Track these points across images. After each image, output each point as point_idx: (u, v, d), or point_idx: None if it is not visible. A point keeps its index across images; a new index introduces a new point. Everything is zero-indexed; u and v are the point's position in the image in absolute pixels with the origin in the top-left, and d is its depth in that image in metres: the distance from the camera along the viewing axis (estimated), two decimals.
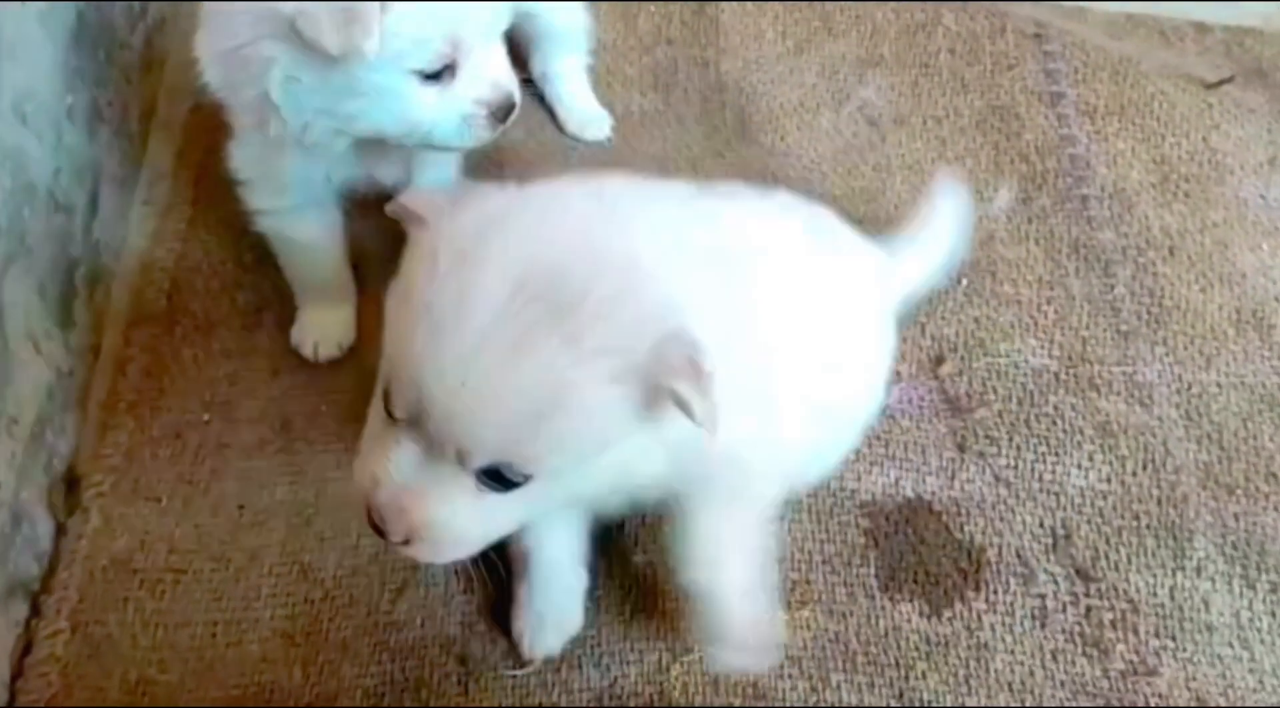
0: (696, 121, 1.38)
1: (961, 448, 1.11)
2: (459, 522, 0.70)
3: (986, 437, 1.12)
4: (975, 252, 1.24)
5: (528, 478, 0.67)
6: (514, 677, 0.97)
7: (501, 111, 0.98)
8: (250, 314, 1.20)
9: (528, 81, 1.36)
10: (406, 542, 0.70)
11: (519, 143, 1.36)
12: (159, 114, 1.38)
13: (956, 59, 1.40)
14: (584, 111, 1.38)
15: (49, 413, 1.06)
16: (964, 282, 1.22)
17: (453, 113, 0.96)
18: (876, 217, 1.28)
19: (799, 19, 1.45)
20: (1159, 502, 1.08)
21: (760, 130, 1.36)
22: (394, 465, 0.68)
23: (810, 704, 0.97)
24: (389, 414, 0.68)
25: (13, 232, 1.02)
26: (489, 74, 0.97)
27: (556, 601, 0.97)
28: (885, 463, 1.10)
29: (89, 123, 1.20)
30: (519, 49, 1.34)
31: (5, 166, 1.02)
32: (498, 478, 0.67)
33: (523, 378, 0.63)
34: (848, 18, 1.45)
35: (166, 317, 1.19)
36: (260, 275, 1.23)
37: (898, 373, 1.16)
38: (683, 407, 0.64)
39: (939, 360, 1.17)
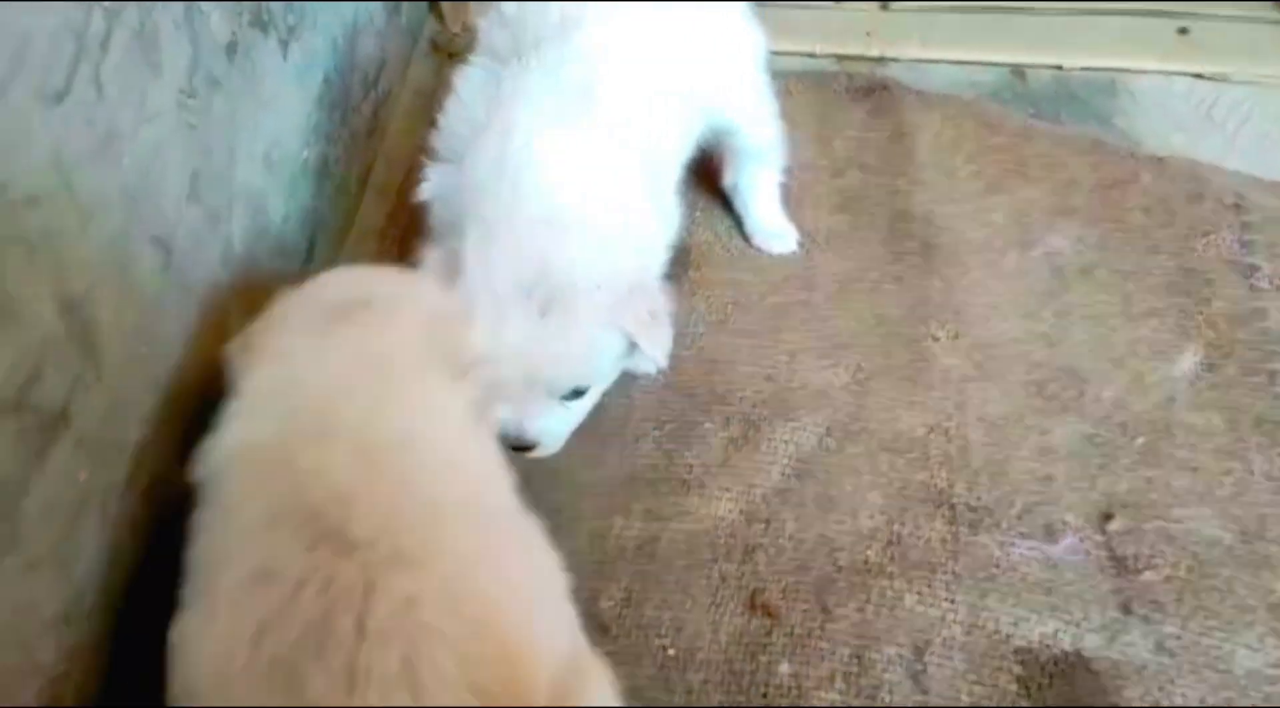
0: (882, 245, 1.40)
1: (1126, 610, 1.09)
2: (557, 425, 1.12)
3: (1152, 601, 1.09)
4: (1154, 412, 1.23)
5: (587, 390, 1.12)
6: None
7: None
8: None
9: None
10: (532, 448, 1.11)
11: (706, 246, 1.41)
12: (374, 177, 1.47)
13: (1150, 219, 1.40)
14: (771, 225, 1.42)
15: None
16: (1140, 440, 1.21)
17: None
18: (1054, 362, 1.28)
19: (994, 161, 1.48)
20: None
21: (944, 262, 1.38)
22: (506, 409, 1.06)
23: None
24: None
25: (243, 268, 1.10)
26: None
27: None
28: (1045, 612, 1.08)
29: (318, 176, 1.29)
30: (715, 160, 1.40)
31: (248, 208, 1.10)
32: (572, 394, 1.11)
33: (562, 350, 1.04)
34: (1043, 166, 1.46)
35: None
36: None
37: (1064, 521, 1.15)
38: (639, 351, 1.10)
39: (1108, 516, 1.15)
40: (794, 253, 1.40)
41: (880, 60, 1.68)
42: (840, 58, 1.69)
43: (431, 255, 1.08)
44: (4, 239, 0.71)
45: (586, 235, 1.07)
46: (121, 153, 0.85)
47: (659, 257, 1.20)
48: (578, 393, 1.13)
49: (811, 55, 1.69)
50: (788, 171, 1.45)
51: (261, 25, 1.11)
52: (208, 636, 0.70)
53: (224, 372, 0.87)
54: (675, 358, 1.28)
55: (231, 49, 1.04)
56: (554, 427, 1.14)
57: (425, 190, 1.14)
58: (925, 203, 1.44)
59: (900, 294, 1.35)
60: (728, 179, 1.42)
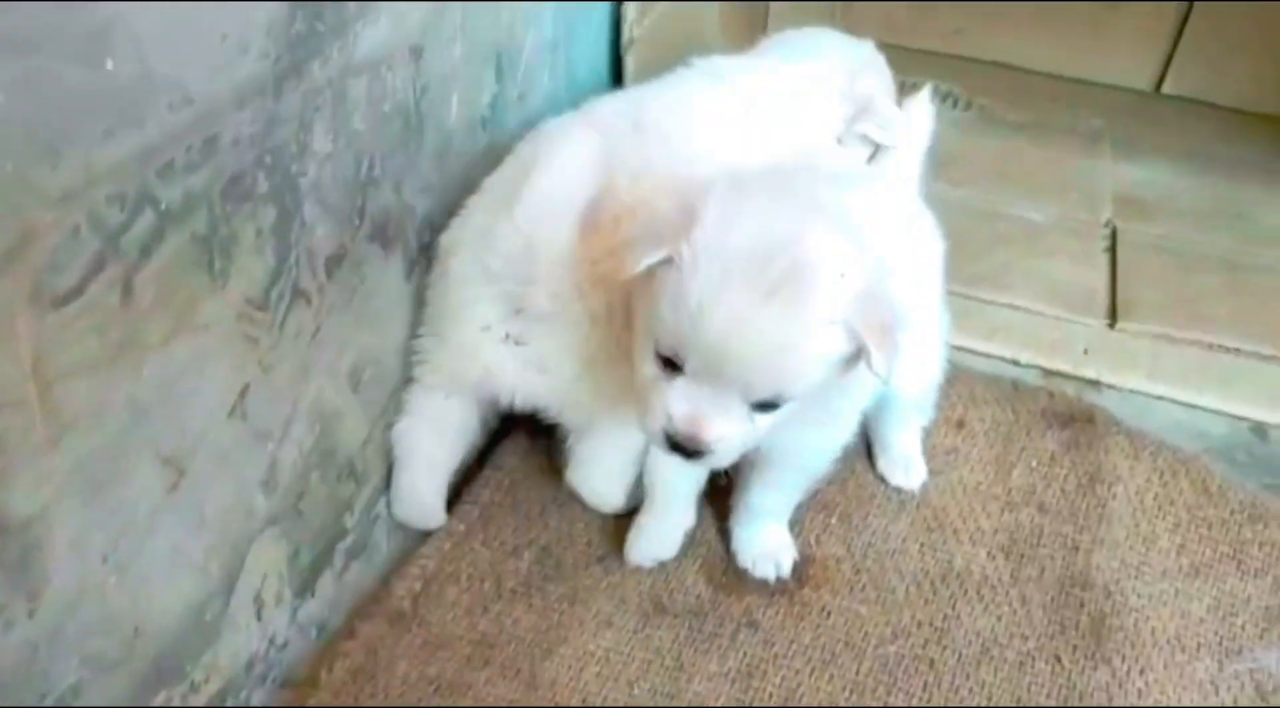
0: (1043, 611, 1.16)
1: None
2: (737, 435, 0.92)
3: None
4: None
5: (783, 404, 0.92)
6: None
7: None
8: (484, 648, 1.09)
9: None
10: (699, 454, 0.93)
11: (833, 562, 1.21)
12: None
13: None
14: (901, 452, 1.30)
15: (240, 684, 0.98)
16: None
17: None
18: None
19: (1204, 537, 1.22)
20: None
21: (1117, 651, 1.12)
22: (682, 401, 0.91)
23: None
24: (668, 369, 0.91)
25: (289, 493, 0.99)
26: None
27: (664, 530, 1.18)
28: None
29: None
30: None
31: (313, 428, 1.00)
32: (765, 405, 0.91)
33: (783, 338, 0.86)
34: (1266, 557, 1.20)
35: (404, 620, 1.11)
36: (513, 606, 1.13)
37: None
38: (866, 358, 0.88)
39: None
40: (933, 596, 1.18)
41: (1095, 384, 1.46)
42: (1047, 372, 1.48)
43: (667, 206, 0.94)
44: None
45: (844, 219, 0.94)
46: (141, 363, 0.76)
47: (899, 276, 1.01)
48: (769, 406, 0.92)
49: (1014, 363, 1.49)
50: (951, 493, 1.26)
51: (384, 241, 1.04)
52: None
53: None
54: (758, 695, 1.08)
55: (335, 261, 0.97)
56: (733, 437, 0.93)
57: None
58: (1110, 570, 1.20)
59: (1054, 679, 1.10)
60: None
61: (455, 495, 1.25)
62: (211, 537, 0.89)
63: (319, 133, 0.90)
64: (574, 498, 1.22)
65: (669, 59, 1.53)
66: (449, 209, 1.13)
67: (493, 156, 1.20)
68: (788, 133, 1.29)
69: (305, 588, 1.05)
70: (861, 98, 1.33)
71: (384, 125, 0.99)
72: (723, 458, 0.95)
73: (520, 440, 1.32)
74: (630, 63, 1.41)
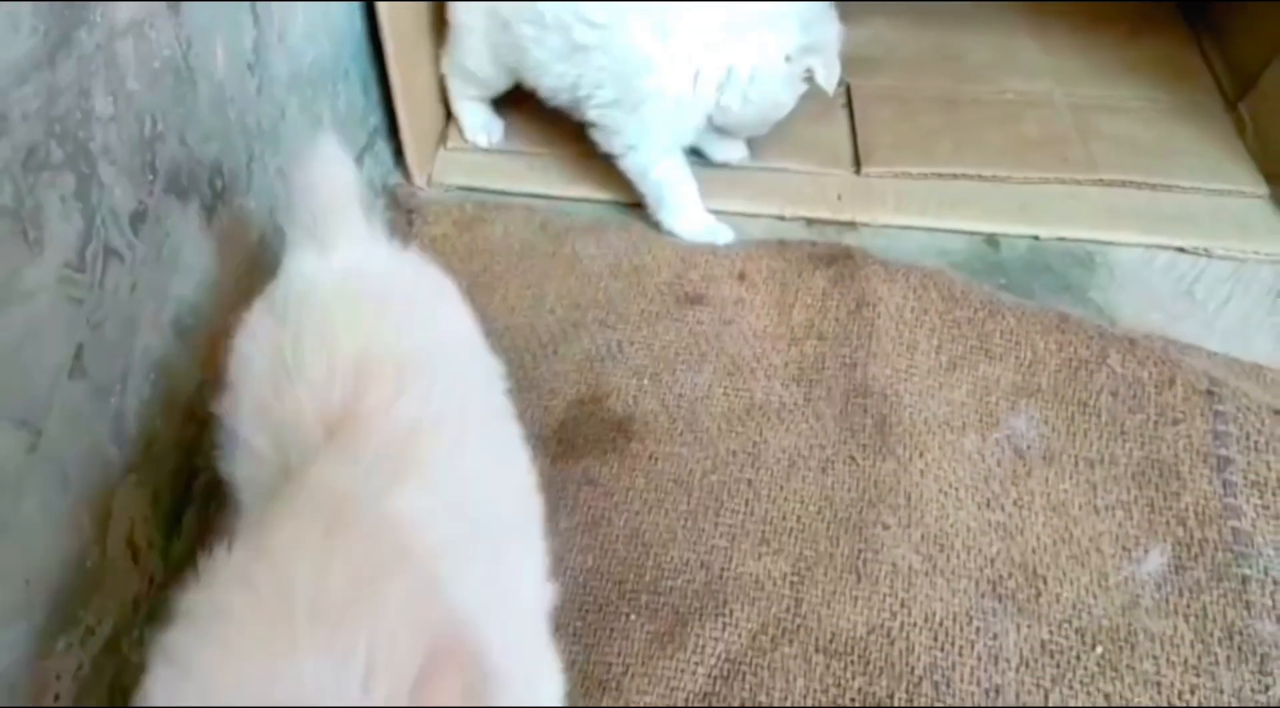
0: (835, 421, 1.34)
1: None
2: None
3: None
4: (1116, 616, 1.14)
5: None
6: None
7: None
8: None
9: None
10: None
11: (651, 416, 1.35)
12: None
13: (1118, 403, 1.33)
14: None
15: (130, 624, 1.05)
16: (1099, 649, 1.12)
17: None
18: (1010, 556, 1.20)
19: (956, 336, 1.42)
20: None
21: (899, 442, 1.31)
22: None
23: None
24: None
25: (140, 440, 1.05)
26: None
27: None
28: None
29: None
30: None
31: (149, 378, 1.06)
32: None
33: None
34: (1007, 342, 1.41)
35: None
36: None
37: None
38: None
39: None
40: (741, 428, 1.34)
41: (851, 225, 1.65)
42: (810, 221, 1.66)
43: None
44: None
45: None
46: None
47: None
48: None
49: (780, 218, 1.66)
50: (743, 339, 1.42)
51: (179, 192, 1.09)
52: None
53: None
54: (607, 539, 1.22)
55: (138, 218, 1.01)
56: None
57: None
58: (883, 378, 1.38)
59: (851, 476, 1.28)
60: None
61: None
62: (77, 491, 0.95)
63: (98, 97, 0.94)
64: None
65: None
66: (235, 154, 1.19)
67: (266, 98, 1.25)
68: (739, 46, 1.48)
69: (172, 528, 1.12)
70: (820, 39, 1.51)
71: (157, 82, 1.03)
72: None
73: None
74: None
